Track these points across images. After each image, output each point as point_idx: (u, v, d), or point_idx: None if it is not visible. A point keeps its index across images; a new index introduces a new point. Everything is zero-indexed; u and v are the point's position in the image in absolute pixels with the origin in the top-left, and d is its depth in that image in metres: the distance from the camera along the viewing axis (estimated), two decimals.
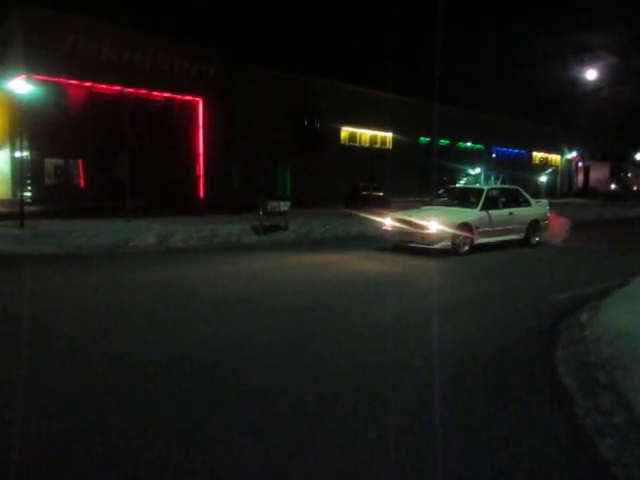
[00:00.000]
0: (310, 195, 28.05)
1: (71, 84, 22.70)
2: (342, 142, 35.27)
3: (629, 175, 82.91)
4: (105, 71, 22.85)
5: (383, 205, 26.20)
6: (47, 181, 22.82)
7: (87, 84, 23.04)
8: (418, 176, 36.81)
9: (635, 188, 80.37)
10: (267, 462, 3.02)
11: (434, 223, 11.44)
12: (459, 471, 2.98)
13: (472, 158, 41.53)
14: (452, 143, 42.01)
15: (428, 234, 11.44)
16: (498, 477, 2.95)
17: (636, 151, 77.67)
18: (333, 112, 32.68)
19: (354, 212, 21.01)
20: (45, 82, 21.43)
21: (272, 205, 15.28)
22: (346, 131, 35.46)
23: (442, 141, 40.57)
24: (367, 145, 36.99)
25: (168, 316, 6.24)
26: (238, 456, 3.07)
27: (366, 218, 17.38)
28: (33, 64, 21.03)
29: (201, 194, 26.93)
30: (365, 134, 36.73)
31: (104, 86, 23.40)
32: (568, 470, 3.03)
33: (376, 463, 3.04)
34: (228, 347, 5.06)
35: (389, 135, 37.78)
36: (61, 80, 22.29)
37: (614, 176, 76.06)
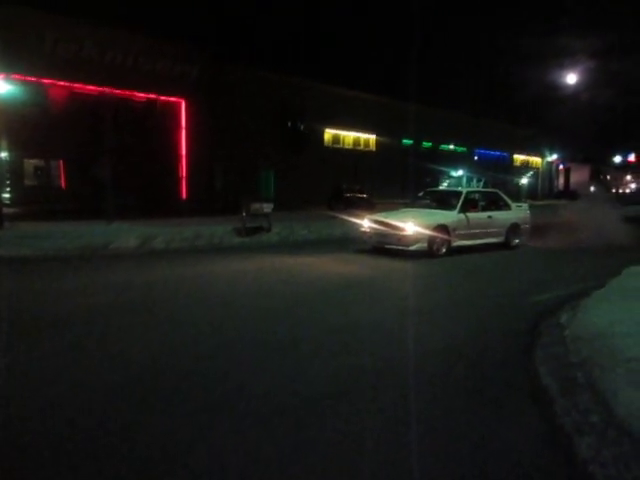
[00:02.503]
0: (294, 197, 28.01)
1: (51, 84, 22.39)
2: (326, 144, 35.26)
3: (608, 177, 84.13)
4: (86, 71, 22.56)
5: (366, 207, 26.26)
6: (27, 182, 22.48)
7: (68, 84, 22.73)
8: (401, 178, 36.97)
9: (614, 190, 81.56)
10: (250, 463, 3.02)
11: (410, 225, 11.50)
12: (440, 470, 3.01)
13: (455, 160, 41.83)
14: (435, 145, 42.28)
15: (404, 235, 11.50)
16: (478, 476, 2.98)
17: (615, 154, 78.98)
18: (317, 114, 32.66)
19: (337, 214, 21.05)
20: (25, 81, 21.09)
21: (255, 207, 15.24)
22: (330, 133, 35.45)
23: (425, 143, 40.84)
24: (351, 147, 37.05)
25: (150, 318, 6.19)
26: (221, 458, 3.06)
27: (349, 220, 17.42)
28: (12, 63, 20.70)
29: (184, 195, 26.73)
30: (349, 136, 36.77)
31: (85, 86, 23.13)
32: (547, 469, 3.08)
33: (359, 463, 3.06)
34: (210, 348, 5.04)
35: (372, 137, 37.87)
36: (41, 80, 21.97)
37: (594, 178, 77.11)
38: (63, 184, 23.21)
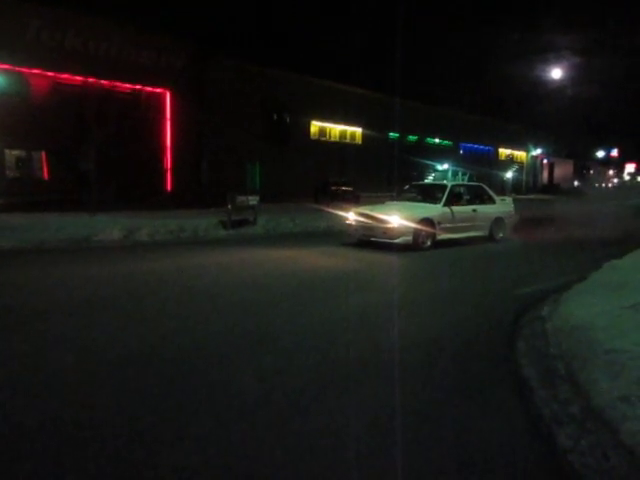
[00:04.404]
0: (280, 189, 27.93)
1: (34, 73, 22.06)
2: (312, 136, 35.18)
3: (591, 172, 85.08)
4: (70, 61, 22.25)
5: (352, 200, 26.31)
6: (8, 173, 22.18)
7: (51, 74, 22.41)
8: (387, 171, 37.05)
9: (597, 185, 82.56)
10: (233, 458, 3.02)
11: (395, 218, 11.54)
12: (424, 462, 3.04)
13: (440, 154, 41.98)
14: (421, 139, 42.38)
15: (389, 228, 11.55)
16: (461, 466, 3.02)
17: (598, 149, 79.89)
18: (303, 106, 32.56)
19: (323, 207, 21.05)
20: (6, 71, 20.78)
21: (240, 199, 15.19)
22: (316, 125, 35.37)
23: (411, 137, 40.93)
24: (337, 140, 37.00)
25: (133, 311, 6.15)
26: (203, 452, 3.06)
27: (335, 213, 17.43)
28: None
29: (169, 188, 26.56)
30: (335, 129, 36.72)
31: (69, 76, 22.81)
32: (527, 458, 3.12)
33: (342, 456, 3.07)
34: (194, 342, 5.02)
35: (359, 130, 37.85)
36: (24, 69, 21.65)
37: (577, 173, 77.94)
38: (46, 175, 22.92)
